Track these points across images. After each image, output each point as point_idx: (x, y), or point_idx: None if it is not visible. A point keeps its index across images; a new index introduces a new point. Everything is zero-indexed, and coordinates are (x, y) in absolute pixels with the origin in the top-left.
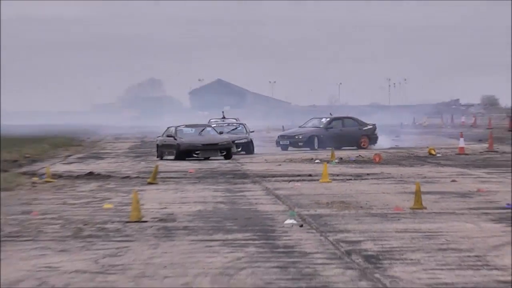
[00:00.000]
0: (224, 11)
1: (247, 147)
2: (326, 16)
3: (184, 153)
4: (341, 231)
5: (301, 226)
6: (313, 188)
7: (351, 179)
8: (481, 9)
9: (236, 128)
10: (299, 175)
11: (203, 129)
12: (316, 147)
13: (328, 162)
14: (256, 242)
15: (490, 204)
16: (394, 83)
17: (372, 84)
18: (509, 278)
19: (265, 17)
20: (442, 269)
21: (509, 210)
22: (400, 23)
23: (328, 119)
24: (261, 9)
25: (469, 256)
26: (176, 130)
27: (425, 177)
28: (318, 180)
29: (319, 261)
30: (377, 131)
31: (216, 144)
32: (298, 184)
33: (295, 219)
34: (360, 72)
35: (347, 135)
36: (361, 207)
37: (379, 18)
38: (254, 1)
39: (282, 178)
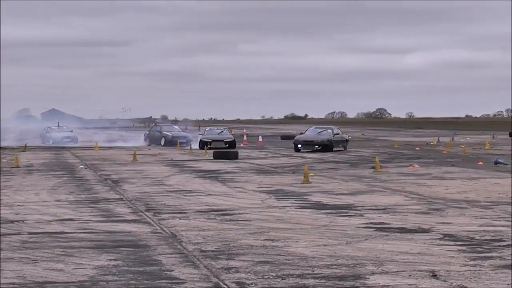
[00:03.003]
0: None
1: (233, 144)
2: None
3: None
4: (102, 171)
5: (86, 168)
6: (92, 155)
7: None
8: None
9: (222, 131)
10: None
11: None
12: None
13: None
14: (67, 175)
15: None
16: None
17: None
18: None
19: None
20: (148, 186)
21: None
22: None
23: None
24: None
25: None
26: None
27: None
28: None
29: (93, 182)
30: None
31: None
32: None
33: (84, 166)
34: None
35: None
36: (107, 159)
37: None
38: None
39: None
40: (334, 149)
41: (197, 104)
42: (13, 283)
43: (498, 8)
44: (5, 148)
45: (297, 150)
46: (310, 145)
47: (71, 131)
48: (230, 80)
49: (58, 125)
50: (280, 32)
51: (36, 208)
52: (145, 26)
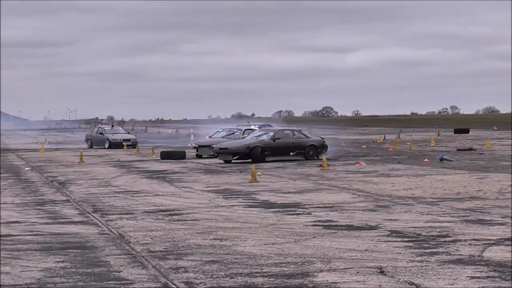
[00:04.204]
0: None
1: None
2: None
3: None
4: (48, 172)
5: (32, 170)
6: (38, 157)
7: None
8: None
9: (233, 133)
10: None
11: None
12: None
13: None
14: (13, 177)
15: None
16: None
17: None
18: None
19: None
20: (95, 187)
21: None
22: None
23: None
24: None
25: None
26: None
27: None
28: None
29: (39, 184)
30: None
31: None
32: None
33: (30, 168)
34: None
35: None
36: (53, 161)
37: None
38: None
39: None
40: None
41: (143, 104)
42: None
43: (438, 7)
44: None
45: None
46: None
47: (128, 133)
48: (176, 80)
49: (112, 126)
50: (225, 32)
51: None
52: (89, 26)
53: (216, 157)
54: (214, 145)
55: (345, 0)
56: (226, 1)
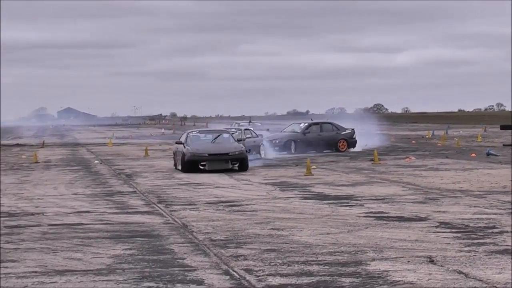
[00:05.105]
0: None
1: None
2: None
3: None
4: (115, 165)
5: (101, 163)
6: (106, 151)
7: None
8: None
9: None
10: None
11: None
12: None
13: None
14: (83, 170)
15: None
16: None
17: None
18: None
19: None
20: (159, 179)
21: None
22: None
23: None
24: None
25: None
26: (186, 137)
27: None
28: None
29: (108, 176)
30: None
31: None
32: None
33: (99, 161)
34: None
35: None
36: (120, 154)
37: None
38: None
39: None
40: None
41: (202, 102)
42: (35, 272)
43: (491, 8)
44: (23, 145)
45: None
46: None
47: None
48: (233, 78)
49: (250, 121)
50: (279, 33)
51: (55, 201)
52: (150, 28)
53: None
54: None
55: (393, 0)
56: (281, 1)
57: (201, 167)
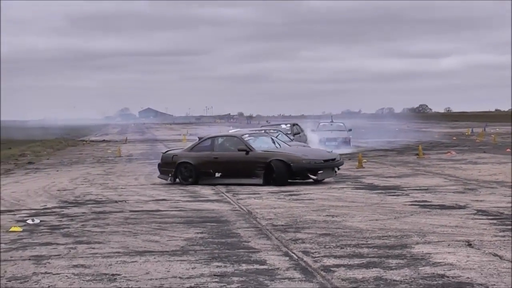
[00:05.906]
0: None
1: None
2: None
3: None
4: None
5: None
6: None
7: None
8: None
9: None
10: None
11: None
12: None
13: None
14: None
15: None
16: None
17: None
18: None
19: None
20: None
21: None
22: None
23: None
24: None
25: None
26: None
27: None
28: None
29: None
30: None
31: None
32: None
33: None
34: None
35: None
36: None
37: None
38: None
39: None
40: None
41: (265, 102)
42: (118, 252)
43: None
44: (109, 141)
45: None
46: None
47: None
48: (294, 81)
49: (332, 121)
50: (336, 41)
51: (136, 190)
52: (221, 37)
53: None
54: None
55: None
56: (336, 13)
57: (313, 176)
